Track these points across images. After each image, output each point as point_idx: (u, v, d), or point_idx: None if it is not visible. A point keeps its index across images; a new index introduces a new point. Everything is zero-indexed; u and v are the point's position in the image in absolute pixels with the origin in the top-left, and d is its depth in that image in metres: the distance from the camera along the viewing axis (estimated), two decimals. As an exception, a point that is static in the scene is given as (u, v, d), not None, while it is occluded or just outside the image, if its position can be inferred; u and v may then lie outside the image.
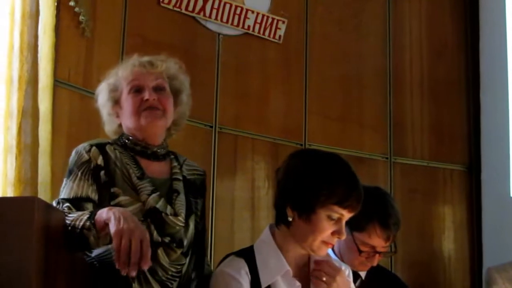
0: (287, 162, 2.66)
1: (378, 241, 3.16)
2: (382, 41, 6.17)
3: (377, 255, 3.21)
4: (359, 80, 6.02)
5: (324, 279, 2.60)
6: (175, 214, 2.71)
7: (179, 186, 2.80)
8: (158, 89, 2.79)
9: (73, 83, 4.32)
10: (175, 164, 2.87)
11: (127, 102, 2.78)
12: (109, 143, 2.77)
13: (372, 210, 3.12)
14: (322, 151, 2.70)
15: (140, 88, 2.77)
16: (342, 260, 3.10)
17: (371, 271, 3.30)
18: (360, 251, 3.17)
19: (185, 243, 2.72)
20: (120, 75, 2.81)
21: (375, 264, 3.25)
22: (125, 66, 2.83)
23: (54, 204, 2.58)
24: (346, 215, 2.54)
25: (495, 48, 6.26)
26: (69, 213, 2.45)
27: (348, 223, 3.01)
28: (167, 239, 2.66)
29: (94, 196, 2.62)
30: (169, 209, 2.70)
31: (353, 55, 6.04)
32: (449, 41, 6.48)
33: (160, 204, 2.68)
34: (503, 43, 6.19)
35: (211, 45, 5.30)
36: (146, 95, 2.75)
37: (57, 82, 4.14)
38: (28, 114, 3.65)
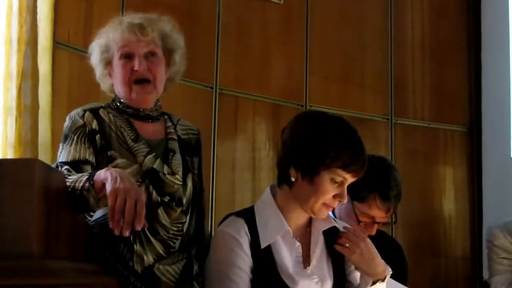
0: (293, 123, 2.66)
1: (378, 213, 3.16)
2: (383, 1, 6.14)
3: (375, 225, 3.21)
4: (360, 41, 6.01)
5: (347, 245, 2.62)
6: (173, 173, 2.71)
7: (175, 145, 2.81)
8: (149, 55, 2.77)
9: (73, 45, 4.31)
10: (169, 124, 2.87)
11: (117, 68, 2.76)
12: (102, 107, 2.76)
13: (374, 181, 3.11)
14: (330, 114, 2.70)
15: (130, 55, 2.74)
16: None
17: (371, 236, 3.31)
18: (358, 221, 3.18)
19: (184, 201, 2.73)
20: (111, 37, 2.78)
21: (373, 233, 3.23)
22: (115, 27, 2.78)
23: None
24: (350, 179, 2.55)
25: (497, 9, 6.23)
26: (69, 175, 2.46)
27: (349, 192, 3.05)
28: (166, 199, 2.67)
29: (92, 158, 2.62)
30: (166, 169, 2.70)
31: (354, 16, 6.01)
32: (451, 2, 6.45)
33: (157, 164, 2.68)
34: (504, 4, 6.16)
35: (212, 6, 5.27)
36: (136, 65, 2.72)
37: (57, 44, 4.13)
38: (28, 75, 3.64)
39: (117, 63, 2.76)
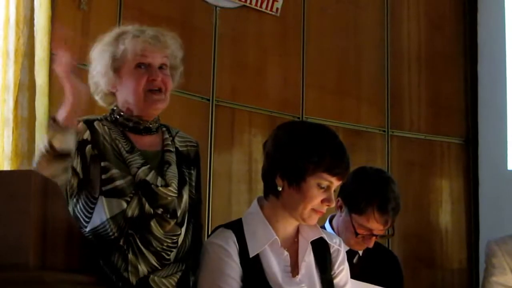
0: (274, 134, 2.70)
1: (375, 225, 3.17)
2: (380, 13, 6.15)
3: (373, 237, 3.22)
4: (356, 53, 6.01)
5: None
6: (166, 185, 2.71)
7: (171, 157, 2.80)
8: (162, 67, 2.77)
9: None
10: (167, 136, 2.86)
11: (131, 77, 2.74)
12: (98, 119, 2.75)
13: (372, 194, 3.14)
14: (309, 122, 2.74)
15: (147, 65, 2.73)
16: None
17: (368, 247, 3.31)
18: (356, 233, 3.18)
19: (179, 213, 2.72)
20: (126, 46, 2.74)
21: (371, 245, 3.25)
22: (131, 38, 2.75)
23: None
24: (335, 182, 2.58)
25: (493, 21, 6.24)
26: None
27: (348, 204, 3.09)
28: (159, 211, 2.66)
29: (78, 167, 2.62)
30: (160, 181, 2.69)
31: (350, 27, 6.02)
32: (447, 14, 6.46)
33: (150, 177, 2.68)
34: (501, 16, 6.17)
35: (208, 18, 5.28)
36: (153, 75, 2.72)
37: (54, 56, 4.13)
38: (25, 87, 3.65)
39: (132, 72, 2.74)
